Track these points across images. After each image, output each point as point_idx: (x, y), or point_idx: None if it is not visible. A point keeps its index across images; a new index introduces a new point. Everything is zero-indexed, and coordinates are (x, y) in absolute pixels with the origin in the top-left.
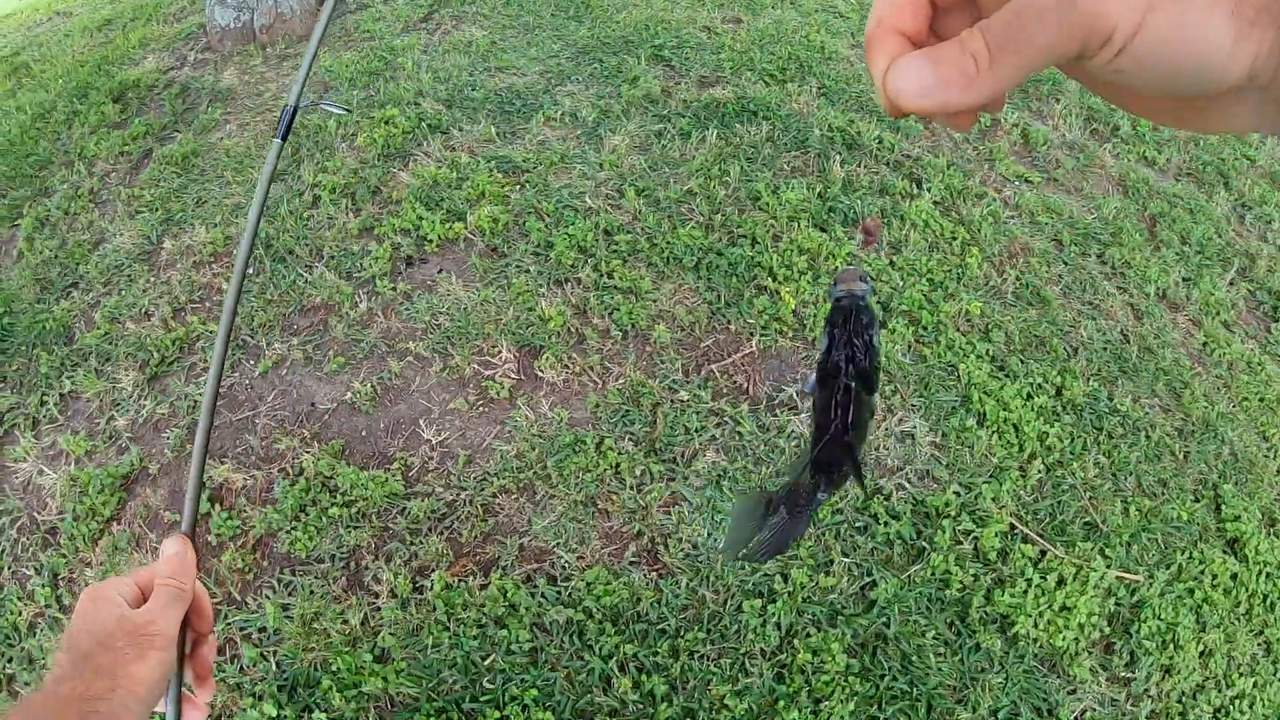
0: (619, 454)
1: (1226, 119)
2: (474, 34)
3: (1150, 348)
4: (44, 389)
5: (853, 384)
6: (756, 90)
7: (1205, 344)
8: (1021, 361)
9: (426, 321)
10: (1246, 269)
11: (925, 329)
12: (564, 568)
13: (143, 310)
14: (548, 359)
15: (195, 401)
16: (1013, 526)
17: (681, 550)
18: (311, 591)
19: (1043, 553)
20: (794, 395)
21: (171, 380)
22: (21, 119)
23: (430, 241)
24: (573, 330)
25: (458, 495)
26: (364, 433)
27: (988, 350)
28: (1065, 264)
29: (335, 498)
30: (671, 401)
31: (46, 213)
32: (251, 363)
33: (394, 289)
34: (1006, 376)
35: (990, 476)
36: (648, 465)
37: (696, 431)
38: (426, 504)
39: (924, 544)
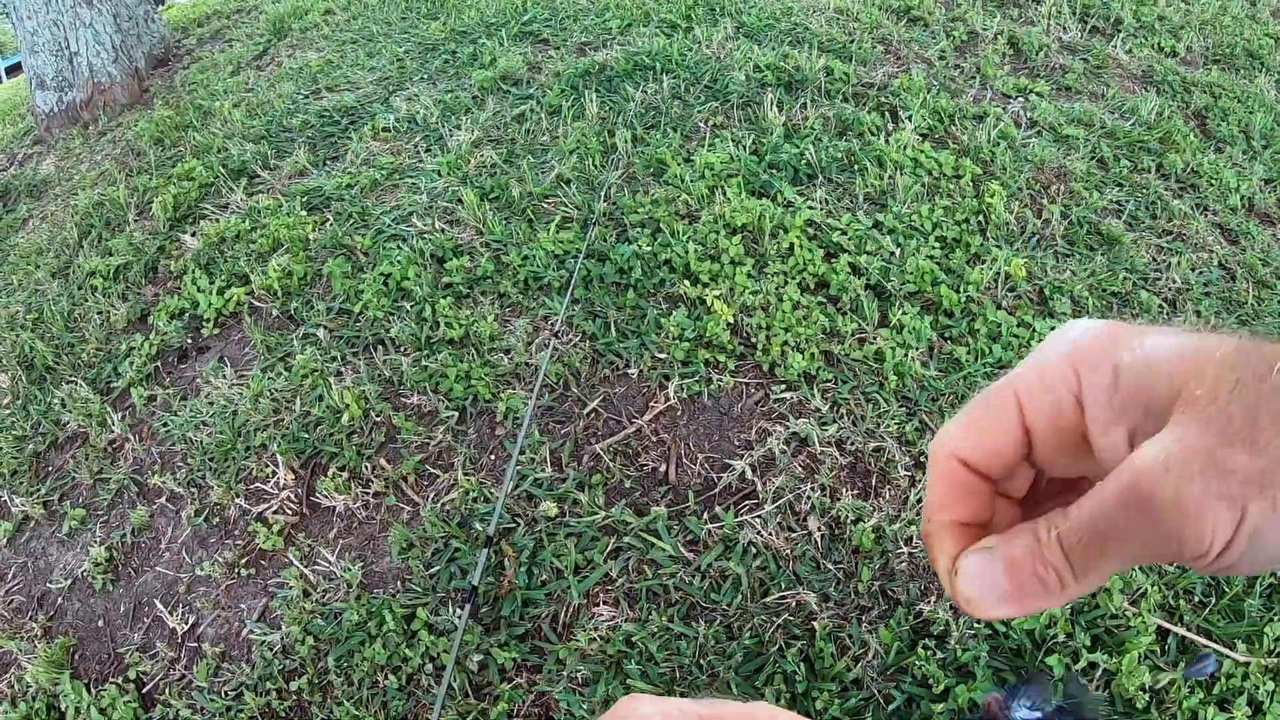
0: (438, 635)
1: None
2: (308, 58)
3: (1263, 279)
4: None
5: None
6: (653, 44)
7: None
8: None
9: (187, 440)
10: None
11: (950, 315)
12: None
13: None
14: (335, 476)
15: None
16: (1162, 630)
17: None
18: None
19: (1219, 664)
20: (746, 472)
21: None
22: None
23: (208, 322)
24: (378, 421)
25: None
26: (101, 622)
27: (1052, 329)
28: (1119, 185)
29: None
30: (530, 524)
31: None
32: None
33: (150, 400)
34: None
35: None
36: (490, 650)
37: (573, 574)
38: None
39: None
